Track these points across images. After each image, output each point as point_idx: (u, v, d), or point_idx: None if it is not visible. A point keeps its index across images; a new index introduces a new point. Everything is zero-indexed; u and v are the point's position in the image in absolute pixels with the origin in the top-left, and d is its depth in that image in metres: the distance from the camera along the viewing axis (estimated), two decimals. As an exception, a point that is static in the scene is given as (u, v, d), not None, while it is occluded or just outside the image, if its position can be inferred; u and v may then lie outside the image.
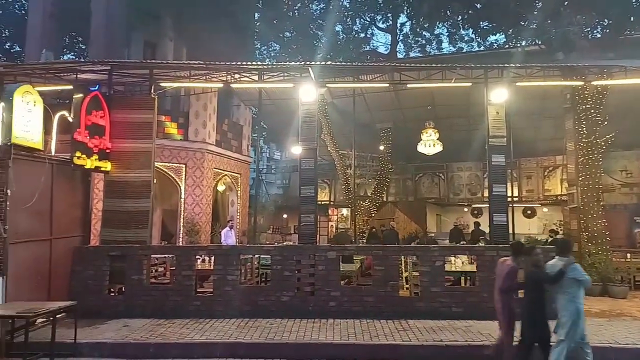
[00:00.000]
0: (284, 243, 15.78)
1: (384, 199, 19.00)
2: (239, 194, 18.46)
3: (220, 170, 17.02)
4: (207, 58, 10.50)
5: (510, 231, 9.42)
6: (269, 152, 41.04)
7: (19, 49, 22.61)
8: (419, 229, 19.17)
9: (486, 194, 16.77)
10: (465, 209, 20.95)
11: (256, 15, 22.26)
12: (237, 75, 10.50)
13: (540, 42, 13.32)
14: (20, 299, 7.05)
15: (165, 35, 16.69)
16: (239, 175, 18.44)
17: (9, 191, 7.14)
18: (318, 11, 24.49)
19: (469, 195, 19.27)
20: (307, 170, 9.68)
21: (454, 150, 17.07)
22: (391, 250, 8.84)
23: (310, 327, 7.69)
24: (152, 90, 9.80)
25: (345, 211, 21.96)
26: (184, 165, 15.41)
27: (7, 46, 23.13)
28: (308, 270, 8.63)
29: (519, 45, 14.80)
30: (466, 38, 22.08)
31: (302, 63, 10.05)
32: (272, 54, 25.41)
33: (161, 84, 10.38)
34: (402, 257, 10.29)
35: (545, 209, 19.60)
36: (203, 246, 11.58)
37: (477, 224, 15.48)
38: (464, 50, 21.99)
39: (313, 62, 10.03)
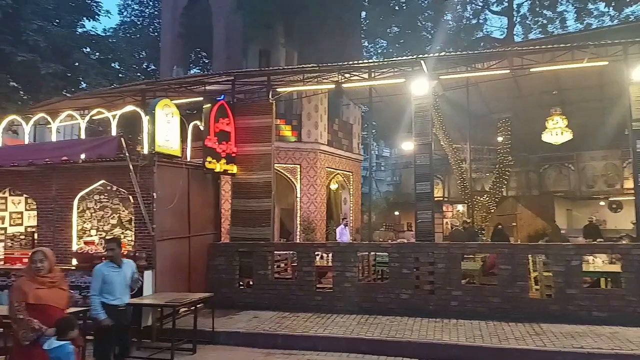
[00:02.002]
0: (397, 240, 15.65)
1: (504, 194, 17.82)
2: (351, 192, 18.71)
3: (332, 169, 17.42)
4: (317, 60, 10.81)
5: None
6: (378, 150, 40.94)
7: (153, 67, 25.47)
8: (547, 226, 17.61)
9: (627, 185, 14.85)
10: (602, 203, 18.71)
11: (363, 13, 22.34)
12: (347, 75, 10.62)
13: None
14: (165, 290, 7.91)
15: (278, 43, 17.54)
16: (350, 174, 18.69)
17: (155, 194, 8.07)
18: (425, 2, 23.83)
19: (606, 187, 17.22)
20: (422, 166, 9.44)
21: (585, 138, 15.45)
22: (518, 249, 8.27)
23: (432, 326, 7.51)
24: (270, 96, 10.37)
25: (460, 207, 21.05)
26: (298, 166, 16.04)
27: (144, 66, 26.15)
28: (427, 268, 8.43)
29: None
30: (595, 13, 19.89)
31: (414, 56, 9.84)
32: (379, 51, 25.38)
33: (277, 90, 10.91)
34: (530, 256, 9.55)
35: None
36: (322, 243, 11.96)
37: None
38: (593, 27, 19.77)
39: (425, 55, 9.76)
